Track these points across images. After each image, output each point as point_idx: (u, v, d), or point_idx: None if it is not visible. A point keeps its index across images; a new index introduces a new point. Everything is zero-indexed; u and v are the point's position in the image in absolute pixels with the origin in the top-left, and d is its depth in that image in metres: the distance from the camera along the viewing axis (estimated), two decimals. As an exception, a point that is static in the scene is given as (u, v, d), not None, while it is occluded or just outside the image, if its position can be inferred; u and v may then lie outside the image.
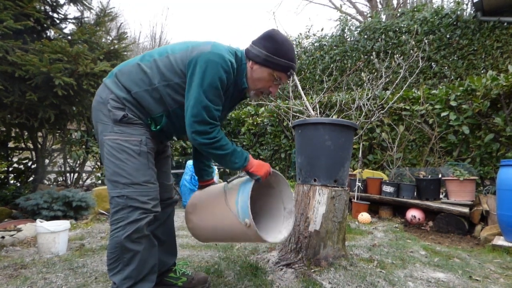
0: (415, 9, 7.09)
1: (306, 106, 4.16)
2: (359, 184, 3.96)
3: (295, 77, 3.80)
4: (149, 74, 1.35)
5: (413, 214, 3.51)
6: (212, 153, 1.37)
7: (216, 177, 4.73)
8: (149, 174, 1.36)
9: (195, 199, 1.71)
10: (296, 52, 1.49)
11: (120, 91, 1.34)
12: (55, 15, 3.41)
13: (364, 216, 3.54)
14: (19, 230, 2.56)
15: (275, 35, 1.42)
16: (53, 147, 4.46)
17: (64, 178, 4.58)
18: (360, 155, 4.26)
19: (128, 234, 1.26)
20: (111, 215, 1.31)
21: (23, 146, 4.21)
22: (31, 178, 4.13)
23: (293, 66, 1.44)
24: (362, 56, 7.15)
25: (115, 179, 1.30)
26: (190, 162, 4.59)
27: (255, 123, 6.12)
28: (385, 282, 1.81)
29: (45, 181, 4.25)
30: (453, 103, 3.91)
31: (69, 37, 3.18)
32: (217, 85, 1.30)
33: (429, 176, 3.67)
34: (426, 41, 5.03)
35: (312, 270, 1.89)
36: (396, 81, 4.46)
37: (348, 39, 7.78)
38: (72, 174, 4.73)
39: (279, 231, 1.64)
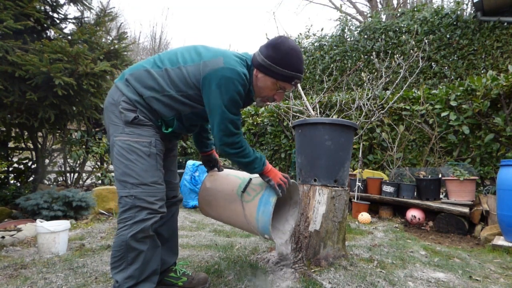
0: (415, 9, 7.10)
1: (306, 106, 4.16)
2: (359, 184, 3.96)
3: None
4: (161, 82, 1.37)
5: (413, 214, 3.51)
6: (238, 161, 1.47)
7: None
8: (157, 175, 1.38)
9: (209, 195, 1.75)
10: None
11: (132, 94, 1.37)
12: (55, 15, 3.41)
13: (364, 216, 3.54)
14: (19, 230, 2.56)
15: (280, 45, 1.39)
16: (53, 147, 4.45)
17: (64, 178, 4.58)
18: (360, 155, 4.26)
19: (134, 233, 1.29)
20: (119, 214, 1.34)
21: (23, 146, 4.21)
22: (31, 178, 4.13)
23: (297, 76, 1.43)
24: (362, 56, 7.15)
25: (124, 179, 1.32)
26: (190, 162, 4.58)
27: (255, 123, 6.12)
28: (385, 282, 1.81)
29: (45, 181, 4.25)
30: (453, 103, 3.91)
31: (69, 37, 3.18)
32: (237, 99, 1.35)
33: (429, 176, 3.67)
34: (426, 41, 5.02)
35: (312, 270, 1.89)
36: (396, 81, 4.46)
37: (348, 39, 7.78)
38: (72, 174, 4.73)
39: (285, 219, 1.76)
